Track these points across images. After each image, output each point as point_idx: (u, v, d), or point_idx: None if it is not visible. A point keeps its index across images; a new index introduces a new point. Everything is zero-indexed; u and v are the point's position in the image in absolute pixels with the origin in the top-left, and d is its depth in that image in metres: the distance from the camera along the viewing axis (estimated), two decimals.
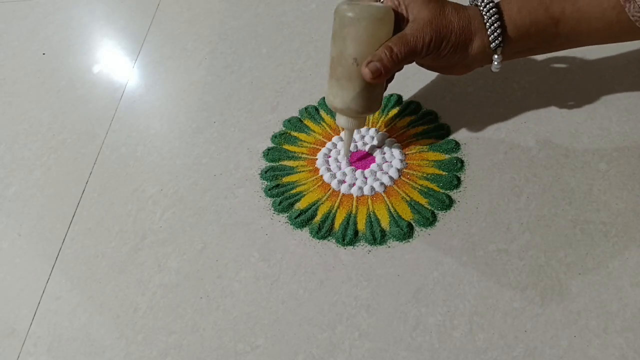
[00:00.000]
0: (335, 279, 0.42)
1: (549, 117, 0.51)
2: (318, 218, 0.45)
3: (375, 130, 0.51)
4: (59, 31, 0.71)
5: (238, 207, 0.48)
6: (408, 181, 0.47)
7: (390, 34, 0.41)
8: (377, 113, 0.53)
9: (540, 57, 0.56)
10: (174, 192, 0.50)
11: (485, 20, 0.41)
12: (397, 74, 0.47)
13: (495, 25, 0.41)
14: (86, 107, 0.60)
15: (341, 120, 0.45)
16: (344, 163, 0.49)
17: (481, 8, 0.41)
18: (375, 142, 0.50)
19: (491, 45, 0.41)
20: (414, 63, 0.45)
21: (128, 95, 0.60)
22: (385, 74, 0.41)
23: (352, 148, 0.50)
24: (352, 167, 0.48)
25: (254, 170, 0.50)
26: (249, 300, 0.42)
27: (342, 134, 0.50)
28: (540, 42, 0.42)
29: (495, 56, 0.42)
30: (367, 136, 0.51)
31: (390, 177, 0.47)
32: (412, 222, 0.44)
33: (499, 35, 0.41)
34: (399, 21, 0.42)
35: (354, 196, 0.47)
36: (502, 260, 0.42)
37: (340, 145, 0.50)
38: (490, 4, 0.41)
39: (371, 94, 0.43)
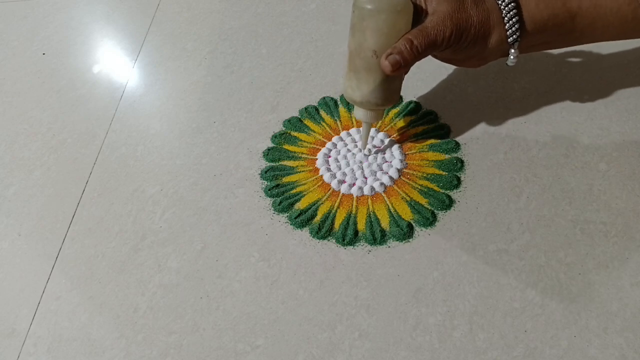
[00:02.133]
0: (335, 279, 0.42)
1: (549, 117, 0.51)
2: (318, 218, 0.45)
3: (376, 130, 0.51)
4: (59, 31, 0.71)
5: (238, 207, 0.48)
6: (408, 181, 0.47)
7: (409, 26, 0.41)
8: None
9: (540, 57, 0.56)
10: (174, 192, 0.50)
11: (503, 15, 0.41)
12: None
13: (513, 20, 0.41)
14: (86, 107, 0.60)
15: (359, 113, 0.45)
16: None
17: (499, 1, 0.41)
18: (375, 142, 0.50)
19: (509, 40, 0.42)
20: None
21: (128, 95, 0.60)
22: (405, 67, 0.41)
23: (355, 148, 0.50)
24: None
25: (254, 170, 0.50)
26: (249, 300, 0.42)
27: (362, 127, 0.50)
28: (556, 36, 0.43)
29: (512, 50, 0.42)
30: None
31: (390, 177, 0.47)
32: (412, 222, 0.44)
33: (517, 29, 0.41)
34: (417, 13, 0.41)
35: (354, 196, 0.47)
36: (502, 260, 0.42)
37: (340, 145, 0.50)
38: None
39: (390, 86, 0.43)
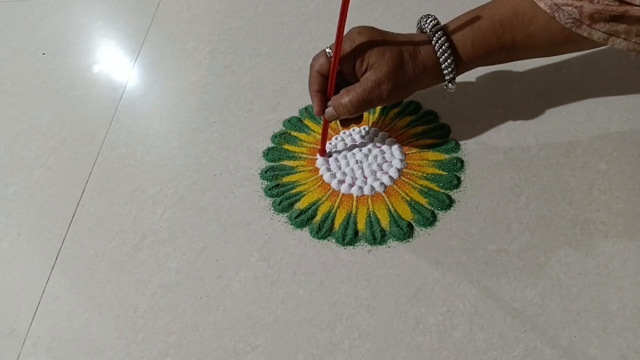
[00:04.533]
0: (335, 279, 0.42)
1: (549, 117, 0.51)
2: (318, 218, 0.45)
3: (375, 130, 0.51)
4: (59, 31, 0.71)
5: (238, 207, 0.48)
6: (408, 181, 0.47)
7: None
8: (377, 113, 0.53)
9: (540, 57, 0.56)
10: (174, 192, 0.50)
11: (440, 62, 0.42)
12: None
13: (451, 67, 0.43)
14: (86, 107, 0.60)
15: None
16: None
17: (436, 48, 0.42)
18: (375, 142, 0.50)
19: (445, 79, 0.43)
20: None
21: (128, 95, 0.60)
22: (337, 119, 0.45)
23: (355, 147, 0.50)
24: (355, 165, 0.48)
25: (254, 170, 0.50)
26: (249, 300, 0.42)
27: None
28: (489, 63, 0.45)
29: (450, 85, 0.44)
30: (367, 136, 0.51)
31: (390, 177, 0.47)
32: (412, 222, 0.44)
33: (453, 70, 0.43)
34: (355, 61, 0.43)
35: (354, 196, 0.47)
36: (502, 260, 0.42)
37: (340, 145, 0.50)
38: (445, 45, 0.42)
39: None
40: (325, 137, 0.48)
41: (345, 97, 0.43)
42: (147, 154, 0.53)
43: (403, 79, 0.42)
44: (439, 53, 0.42)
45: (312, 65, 0.44)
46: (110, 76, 0.63)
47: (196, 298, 0.42)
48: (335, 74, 0.43)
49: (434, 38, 0.42)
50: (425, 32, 0.43)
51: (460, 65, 0.43)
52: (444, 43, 0.42)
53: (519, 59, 0.46)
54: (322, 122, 0.48)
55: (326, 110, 0.45)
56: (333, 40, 0.42)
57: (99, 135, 0.56)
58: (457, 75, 0.43)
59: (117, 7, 0.73)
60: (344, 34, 0.41)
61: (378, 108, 0.53)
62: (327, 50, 0.43)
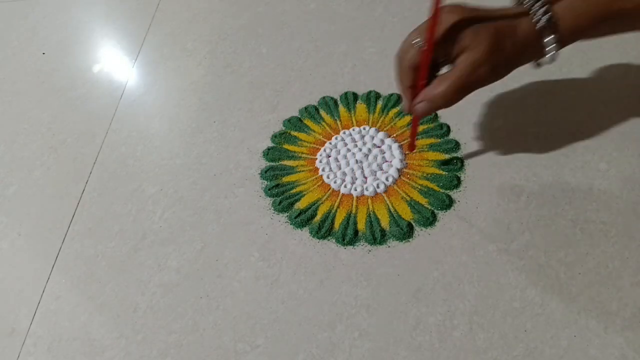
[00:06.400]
0: (335, 279, 0.42)
1: (549, 117, 0.51)
2: (318, 218, 0.45)
3: (375, 129, 0.51)
4: (59, 31, 0.71)
5: (238, 207, 0.48)
6: (408, 181, 0.47)
7: None
8: (377, 112, 0.53)
9: None
10: (174, 192, 0.50)
11: (541, 35, 0.38)
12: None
13: (552, 40, 0.38)
14: (86, 107, 0.60)
15: None
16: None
17: (534, 20, 0.37)
18: (375, 142, 0.50)
19: (546, 54, 0.39)
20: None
21: (128, 95, 0.60)
22: (432, 112, 0.41)
23: (355, 147, 0.50)
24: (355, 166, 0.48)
25: (254, 170, 0.50)
26: (249, 300, 0.42)
27: None
28: (590, 37, 0.40)
29: (550, 61, 0.39)
30: (367, 135, 0.51)
31: (391, 177, 0.47)
32: (412, 222, 0.44)
33: (555, 44, 0.38)
34: (446, 44, 0.38)
35: (354, 196, 0.47)
36: (502, 260, 0.42)
37: (340, 144, 0.50)
38: (545, 16, 0.37)
39: None
40: (415, 132, 0.45)
41: (440, 87, 0.38)
42: (147, 153, 0.53)
43: (502, 58, 0.37)
44: (538, 26, 0.37)
45: (401, 59, 0.39)
46: (110, 76, 0.63)
47: (196, 298, 0.42)
48: (429, 63, 0.38)
49: (533, 9, 0.37)
50: (522, 3, 0.38)
51: (563, 38, 0.38)
52: (544, 14, 0.37)
53: (621, 32, 0.40)
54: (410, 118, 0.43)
55: (418, 105, 0.40)
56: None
57: (99, 135, 0.56)
58: (558, 50, 0.38)
59: (117, 7, 0.73)
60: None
61: (378, 107, 0.53)
62: (416, 40, 0.38)
